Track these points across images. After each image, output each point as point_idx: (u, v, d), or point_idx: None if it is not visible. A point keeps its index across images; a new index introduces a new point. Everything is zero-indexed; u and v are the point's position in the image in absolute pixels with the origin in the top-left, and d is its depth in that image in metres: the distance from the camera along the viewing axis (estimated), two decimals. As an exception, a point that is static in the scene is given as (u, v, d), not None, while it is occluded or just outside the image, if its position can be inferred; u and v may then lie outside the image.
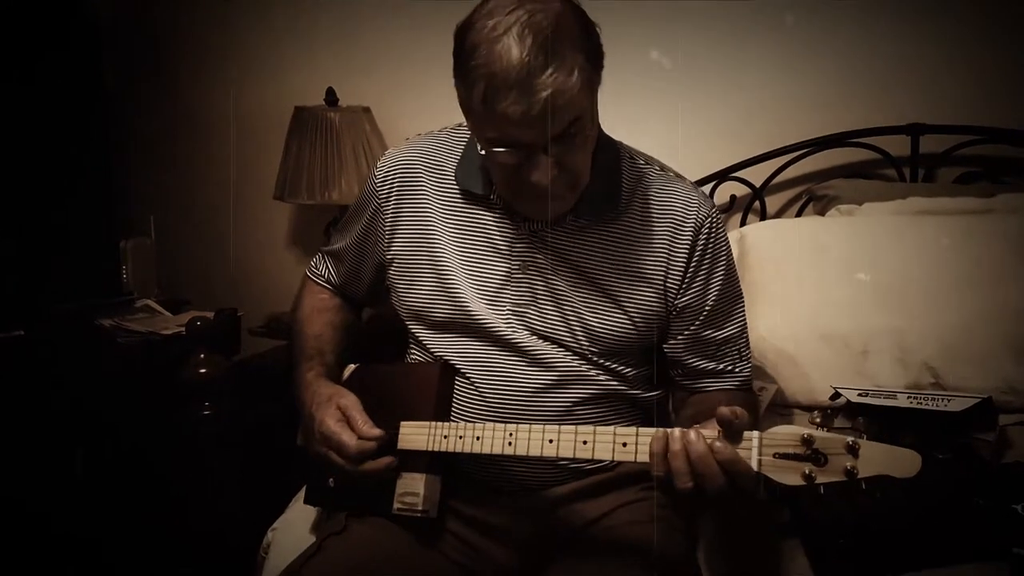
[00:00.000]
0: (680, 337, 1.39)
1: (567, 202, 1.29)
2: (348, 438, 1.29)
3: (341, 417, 1.32)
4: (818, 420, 1.03)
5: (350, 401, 1.33)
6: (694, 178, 1.46)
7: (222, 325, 2.36)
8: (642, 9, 2.37)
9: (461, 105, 1.22)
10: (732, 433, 1.05)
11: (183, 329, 2.28)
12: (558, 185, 1.21)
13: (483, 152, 1.22)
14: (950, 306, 1.79)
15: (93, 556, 2.20)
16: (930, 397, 1.54)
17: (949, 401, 1.52)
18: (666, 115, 2.38)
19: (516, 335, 1.34)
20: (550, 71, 1.11)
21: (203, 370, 2.14)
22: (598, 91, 1.23)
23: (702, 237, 1.35)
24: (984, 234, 1.87)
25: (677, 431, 1.07)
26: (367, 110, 2.55)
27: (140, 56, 2.93)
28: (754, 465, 1.02)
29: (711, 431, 1.06)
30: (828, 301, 1.86)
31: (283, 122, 2.54)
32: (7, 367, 2.25)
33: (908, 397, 1.55)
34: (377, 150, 2.52)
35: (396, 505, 1.32)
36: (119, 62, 2.91)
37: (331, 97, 2.53)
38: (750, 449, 1.03)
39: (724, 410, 1.05)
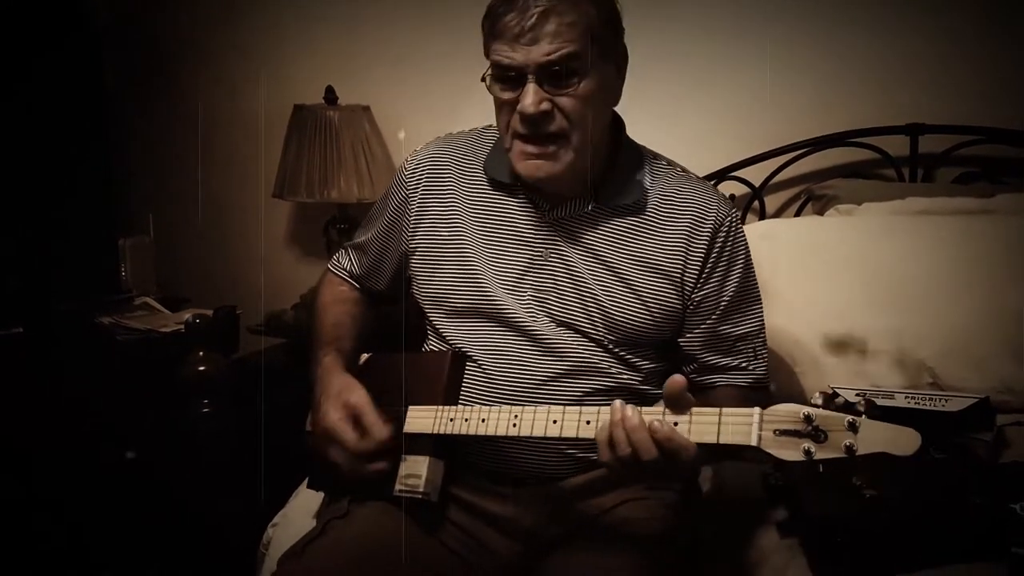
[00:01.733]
0: (697, 331, 1.41)
1: (560, 161, 1.31)
2: (350, 437, 1.31)
3: (347, 415, 1.33)
4: (819, 402, 1.04)
5: (360, 399, 1.34)
6: (693, 177, 1.48)
7: (221, 323, 2.36)
8: (639, 7, 2.37)
9: (484, 47, 1.32)
10: (676, 406, 1.09)
11: (182, 327, 2.29)
12: (546, 125, 1.27)
13: (491, 90, 1.31)
14: (948, 306, 1.79)
15: (93, 554, 2.20)
16: (928, 397, 1.54)
17: (947, 401, 1.51)
18: (665, 114, 2.38)
19: (535, 321, 1.37)
20: None
21: (202, 368, 2.15)
22: (615, 75, 1.35)
23: (720, 237, 1.38)
24: (983, 235, 1.87)
25: (617, 403, 1.11)
26: (366, 109, 2.55)
27: (140, 55, 2.93)
28: (754, 440, 1.03)
29: (656, 408, 1.11)
30: (826, 301, 1.86)
31: (282, 120, 2.55)
32: (7, 364, 2.25)
33: (906, 397, 1.55)
34: (376, 149, 2.52)
35: (398, 487, 1.33)
36: (119, 61, 2.92)
37: (330, 95, 2.53)
38: (750, 425, 1.04)
39: (678, 377, 1.09)
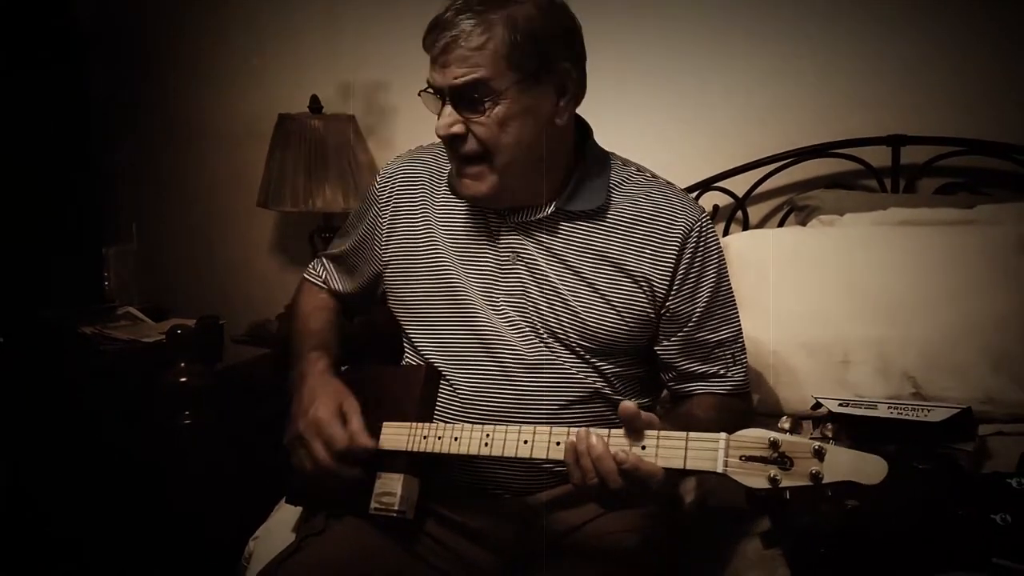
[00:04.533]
0: (674, 339, 1.40)
1: (484, 182, 1.32)
2: (340, 433, 1.30)
3: (340, 413, 1.32)
4: (787, 425, 1.03)
5: (353, 407, 1.33)
6: (677, 187, 1.48)
7: (204, 333, 2.35)
8: (624, 19, 2.38)
9: None
10: (632, 431, 1.09)
11: (165, 337, 2.27)
12: (460, 146, 1.29)
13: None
14: (930, 317, 1.80)
15: (74, 565, 2.19)
16: (910, 407, 1.54)
17: (929, 411, 1.52)
18: (649, 125, 2.40)
19: (508, 325, 1.37)
20: (467, 21, 1.24)
21: (184, 379, 2.14)
22: (551, 96, 1.30)
23: (691, 241, 1.37)
24: (964, 245, 1.88)
25: (582, 431, 1.11)
26: (351, 118, 2.55)
27: (126, 64, 2.92)
28: (719, 467, 1.02)
29: (622, 432, 1.10)
30: (809, 311, 1.87)
31: (267, 129, 2.54)
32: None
33: (888, 407, 1.55)
34: (361, 158, 2.52)
35: (373, 505, 1.32)
36: (105, 70, 2.90)
37: (315, 105, 2.52)
38: (716, 451, 1.03)
39: (628, 404, 1.08)
